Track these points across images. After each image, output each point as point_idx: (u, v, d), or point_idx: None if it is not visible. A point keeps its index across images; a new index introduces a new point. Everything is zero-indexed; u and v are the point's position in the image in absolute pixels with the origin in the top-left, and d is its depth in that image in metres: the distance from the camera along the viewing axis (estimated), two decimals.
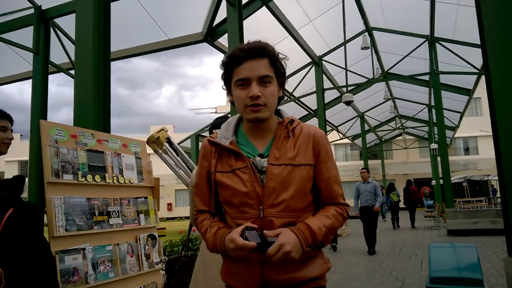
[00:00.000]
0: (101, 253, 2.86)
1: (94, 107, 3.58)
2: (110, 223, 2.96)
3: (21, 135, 39.05)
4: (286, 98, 1.55)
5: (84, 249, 2.77)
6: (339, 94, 16.58)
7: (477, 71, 12.69)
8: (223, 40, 9.19)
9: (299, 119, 1.54)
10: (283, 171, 1.37)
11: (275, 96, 1.42)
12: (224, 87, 1.51)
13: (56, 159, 2.73)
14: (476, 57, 11.89)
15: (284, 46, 11.21)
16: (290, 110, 13.88)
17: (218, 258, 1.54)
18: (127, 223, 3.10)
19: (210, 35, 9.01)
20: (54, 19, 7.34)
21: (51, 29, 7.34)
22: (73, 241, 2.76)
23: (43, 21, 7.09)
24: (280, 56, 1.48)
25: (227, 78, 1.47)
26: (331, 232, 1.40)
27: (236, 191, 1.39)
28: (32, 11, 7.13)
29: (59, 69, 8.25)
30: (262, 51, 1.40)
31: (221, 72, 1.49)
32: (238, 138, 1.49)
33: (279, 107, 1.53)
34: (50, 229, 2.66)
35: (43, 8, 7.12)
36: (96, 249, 2.84)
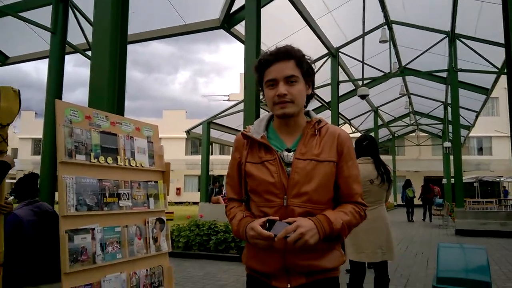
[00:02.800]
0: (110, 234, 2.89)
1: (109, 90, 3.58)
2: (120, 205, 2.98)
3: (35, 113, 39.58)
4: (314, 95, 1.67)
5: (93, 229, 2.80)
6: (354, 87, 16.41)
7: (496, 70, 12.43)
8: (240, 28, 9.13)
9: (312, 110, 1.68)
10: (307, 166, 1.49)
11: (301, 93, 1.54)
12: (260, 88, 1.67)
13: (70, 139, 2.75)
14: (496, 55, 11.64)
15: (301, 35, 11.09)
16: None
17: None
18: (137, 206, 3.12)
19: (227, 22, 8.96)
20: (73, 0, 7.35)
21: (70, 9, 7.35)
22: (83, 221, 2.79)
23: (62, 1, 7.11)
24: (306, 57, 1.59)
25: (259, 80, 1.61)
26: (349, 227, 1.49)
27: (263, 180, 1.51)
28: None
29: (75, 49, 8.29)
30: (288, 53, 1.53)
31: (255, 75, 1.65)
32: (269, 134, 1.62)
33: (310, 109, 1.66)
34: (61, 208, 2.69)
35: None
36: (105, 230, 2.87)
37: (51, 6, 7.10)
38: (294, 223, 1.37)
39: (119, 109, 3.67)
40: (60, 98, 6.88)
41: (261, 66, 1.58)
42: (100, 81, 3.66)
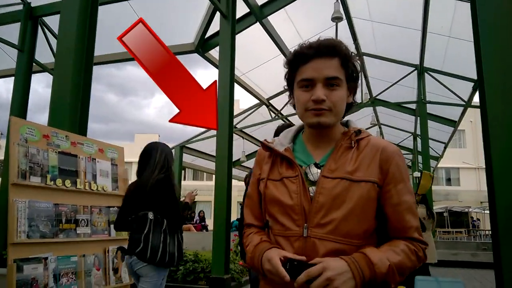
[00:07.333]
0: (65, 264, 2.66)
1: (71, 108, 3.37)
2: (78, 232, 2.77)
3: (1, 134, 38.13)
4: (355, 104, 1.31)
5: (46, 258, 2.57)
6: None
7: (463, 103, 12.86)
8: (215, 53, 9.12)
9: None
10: (336, 186, 1.14)
11: (343, 101, 1.22)
12: (286, 87, 1.35)
13: (24, 160, 2.55)
14: (463, 89, 12.08)
15: (275, 63, 11.17)
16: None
17: None
18: (96, 233, 2.90)
19: (201, 47, 8.94)
20: (43, 17, 7.16)
21: (39, 27, 7.15)
22: (35, 249, 2.55)
23: (31, 18, 6.91)
24: (354, 57, 1.27)
25: (290, 78, 1.30)
26: (400, 272, 1.10)
27: (281, 202, 1.20)
28: (21, 7, 6.96)
29: (43, 68, 8.03)
30: (333, 49, 1.20)
31: (284, 71, 1.32)
32: (296, 146, 1.31)
33: (349, 118, 1.35)
34: (10, 234, 2.45)
35: (32, 5, 6.95)
36: (59, 259, 2.64)
37: (19, 23, 6.89)
38: (319, 264, 1.04)
39: (82, 129, 3.46)
40: (25, 117, 6.57)
41: (295, 61, 1.25)
42: (61, 99, 3.43)
